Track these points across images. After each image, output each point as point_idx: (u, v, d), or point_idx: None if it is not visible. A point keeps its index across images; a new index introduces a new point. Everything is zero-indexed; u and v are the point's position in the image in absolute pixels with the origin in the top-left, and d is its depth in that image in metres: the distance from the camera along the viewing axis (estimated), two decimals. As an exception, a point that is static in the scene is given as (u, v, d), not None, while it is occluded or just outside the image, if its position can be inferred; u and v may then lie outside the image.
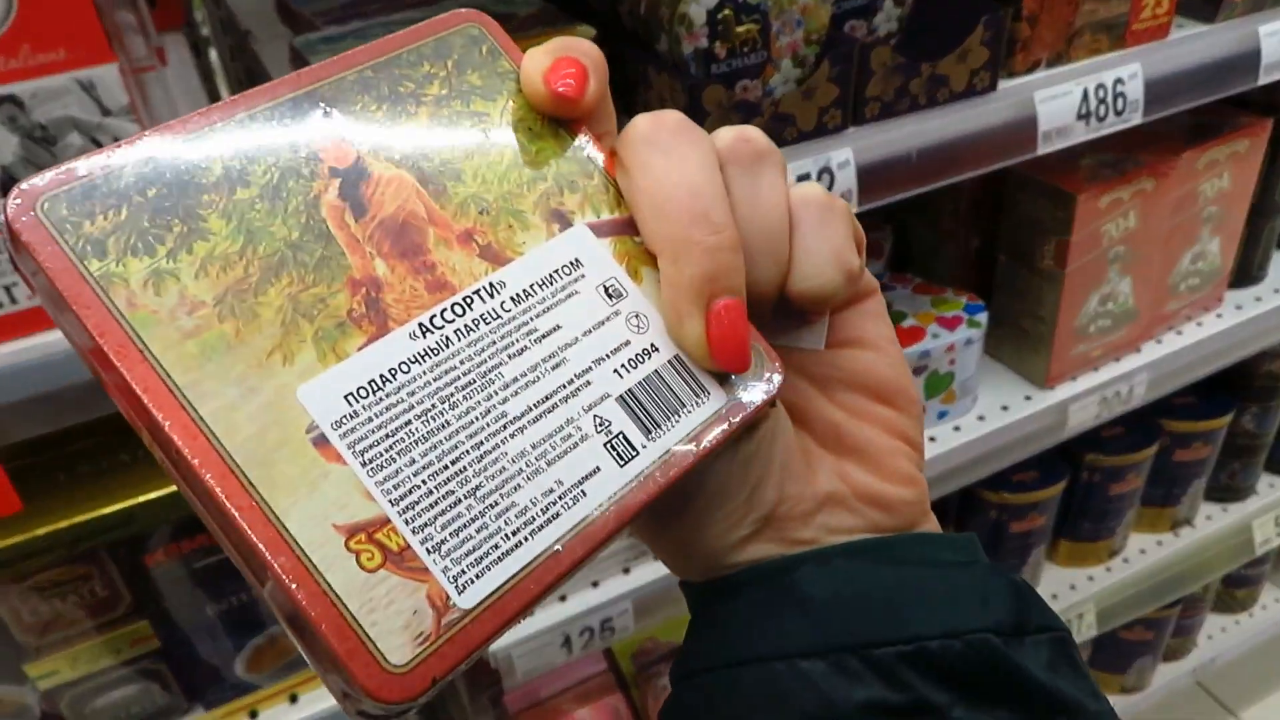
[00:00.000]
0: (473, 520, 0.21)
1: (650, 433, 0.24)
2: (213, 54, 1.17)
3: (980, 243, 1.04)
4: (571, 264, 0.25)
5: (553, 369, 0.23)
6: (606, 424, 0.23)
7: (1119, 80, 0.80)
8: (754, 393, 0.25)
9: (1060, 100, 0.79)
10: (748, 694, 0.25)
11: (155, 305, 0.20)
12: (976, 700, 0.25)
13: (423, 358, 0.22)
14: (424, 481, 0.21)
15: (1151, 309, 1.05)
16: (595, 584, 0.87)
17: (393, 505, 0.20)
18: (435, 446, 0.21)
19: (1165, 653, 1.44)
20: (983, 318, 0.96)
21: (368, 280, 0.22)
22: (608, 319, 0.25)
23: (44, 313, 0.47)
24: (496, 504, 0.21)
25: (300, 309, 0.21)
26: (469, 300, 0.23)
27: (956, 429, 0.99)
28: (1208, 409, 1.23)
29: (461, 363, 0.22)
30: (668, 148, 0.25)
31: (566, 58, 0.26)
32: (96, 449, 0.68)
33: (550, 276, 0.24)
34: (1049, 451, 1.08)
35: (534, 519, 0.22)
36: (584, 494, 0.23)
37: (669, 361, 0.25)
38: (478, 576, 0.21)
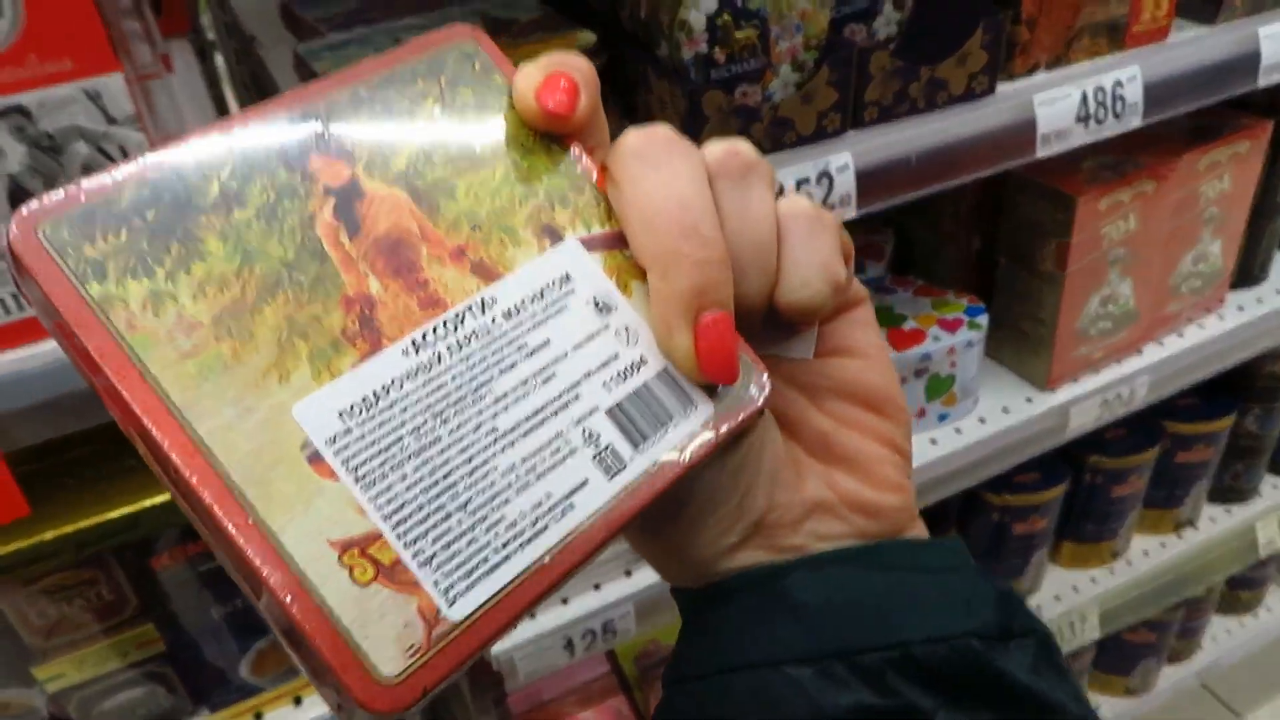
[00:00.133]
0: (463, 534, 0.22)
1: (638, 445, 0.24)
2: (219, 60, 1.18)
3: (981, 245, 1.05)
4: (562, 279, 0.25)
5: (543, 383, 0.24)
6: (595, 437, 0.24)
7: (1118, 83, 0.80)
8: (742, 404, 0.26)
9: (1059, 103, 0.79)
10: (738, 700, 0.26)
11: (154, 326, 0.21)
12: (961, 704, 0.25)
13: (415, 374, 0.22)
14: (416, 496, 0.21)
15: (1152, 311, 1.05)
16: (597, 586, 0.88)
17: (385, 520, 0.21)
18: (427, 461, 0.22)
19: (1170, 655, 1.44)
20: (983, 320, 0.96)
21: (362, 298, 0.23)
22: (597, 333, 0.25)
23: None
24: (486, 517, 0.22)
25: (296, 328, 0.22)
26: (460, 316, 0.24)
27: (957, 431, 0.99)
28: (1210, 410, 1.23)
29: (453, 378, 0.23)
30: (657, 162, 0.25)
31: (558, 74, 0.26)
32: (102, 454, 0.69)
33: (541, 291, 0.25)
34: (1051, 453, 1.08)
35: (523, 532, 0.22)
36: (572, 506, 0.23)
37: (658, 374, 0.25)
38: (468, 589, 0.21)
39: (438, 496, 0.22)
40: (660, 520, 0.28)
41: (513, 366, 0.24)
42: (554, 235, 0.26)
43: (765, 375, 0.26)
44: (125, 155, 0.53)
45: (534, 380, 0.24)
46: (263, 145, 0.23)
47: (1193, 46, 0.83)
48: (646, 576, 0.89)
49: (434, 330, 0.23)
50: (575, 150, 0.27)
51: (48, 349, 0.55)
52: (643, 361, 0.25)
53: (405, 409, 0.22)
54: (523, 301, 0.24)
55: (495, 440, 0.23)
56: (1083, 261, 0.96)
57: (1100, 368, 1.04)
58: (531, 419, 0.23)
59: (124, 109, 0.51)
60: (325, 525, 0.20)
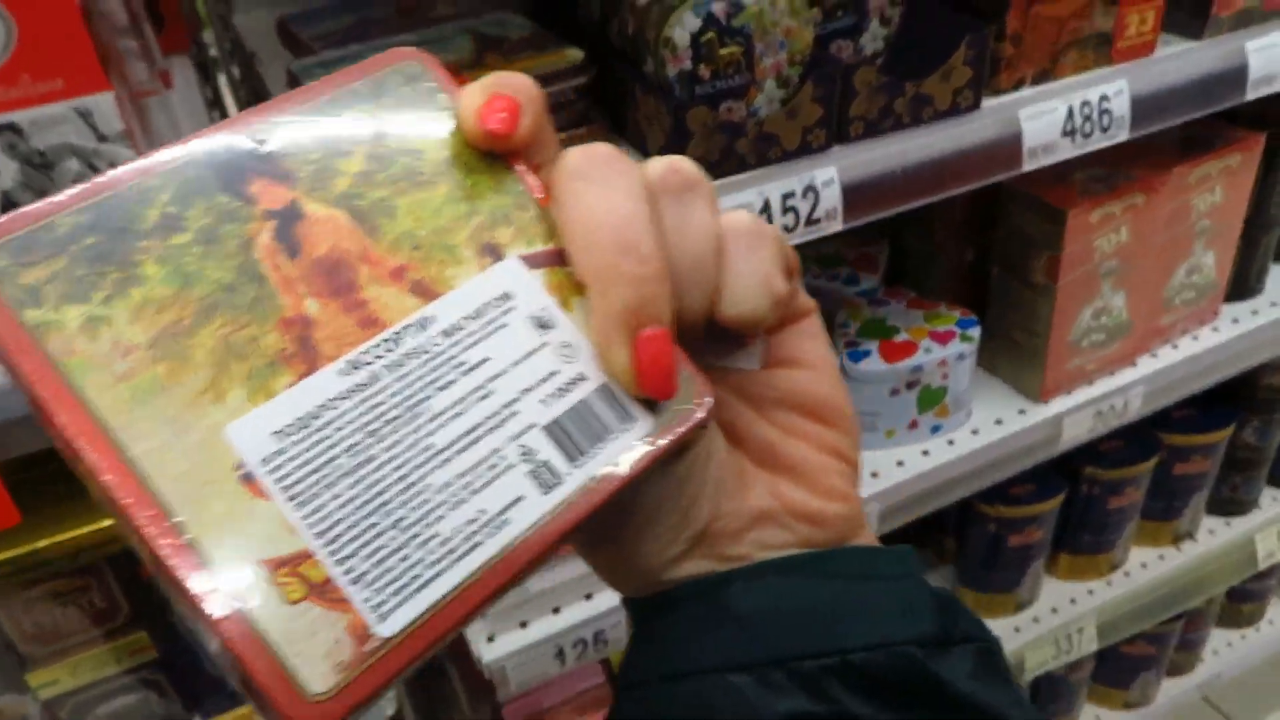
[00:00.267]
0: (395, 551, 0.22)
1: (575, 460, 0.24)
2: (222, 77, 1.19)
3: (975, 256, 1.05)
4: (502, 297, 0.25)
5: (479, 400, 0.24)
6: (531, 453, 0.24)
7: (1104, 97, 0.81)
8: (682, 418, 0.26)
9: (1045, 118, 0.80)
10: (681, 706, 0.26)
11: (90, 350, 0.21)
12: (898, 711, 0.25)
13: (351, 394, 0.23)
14: (348, 515, 0.22)
15: (1146, 323, 1.05)
16: (589, 596, 0.88)
17: (316, 539, 0.21)
18: (360, 480, 0.22)
19: (1170, 668, 1.44)
20: (975, 332, 0.96)
21: (299, 319, 0.23)
22: (537, 350, 0.25)
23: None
24: (419, 534, 0.22)
25: (233, 349, 0.22)
26: (398, 336, 0.24)
27: (950, 443, 0.99)
28: (1207, 422, 1.23)
29: (389, 397, 0.23)
30: (597, 179, 0.26)
31: (499, 95, 0.26)
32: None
33: (480, 310, 0.25)
34: (1047, 465, 1.08)
35: (456, 548, 0.22)
36: (507, 522, 0.23)
37: (597, 389, 0.25)
38: (398, 606, 0.21)
39: (370, 514, 0.22)
40: (605, 532, 0.28)
41: (450, 384, 0.24)
42: (495, 253, 0.26)
43: (707, 388, 0.26)
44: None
45: (471, 398, 0.24)
46: (204, 170, 0.24)
47: (1179, 61, 0.84)
48: (638, 586, 0.89)
49: (371, 349, 0.23)
50: (519, 168, 0.27)
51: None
52: (582, 377, 0.25)
53: (340, 428, 0.22)
54: (461, 320, 0.25)
55: (430, 458, 0.23)
56: (1074, 273, 0.96)
57: (1094, 379, 1.05)
58: (467, 436, 0.23)
59: (114, 126, 0.52)
60: (257, 545, 0.21)
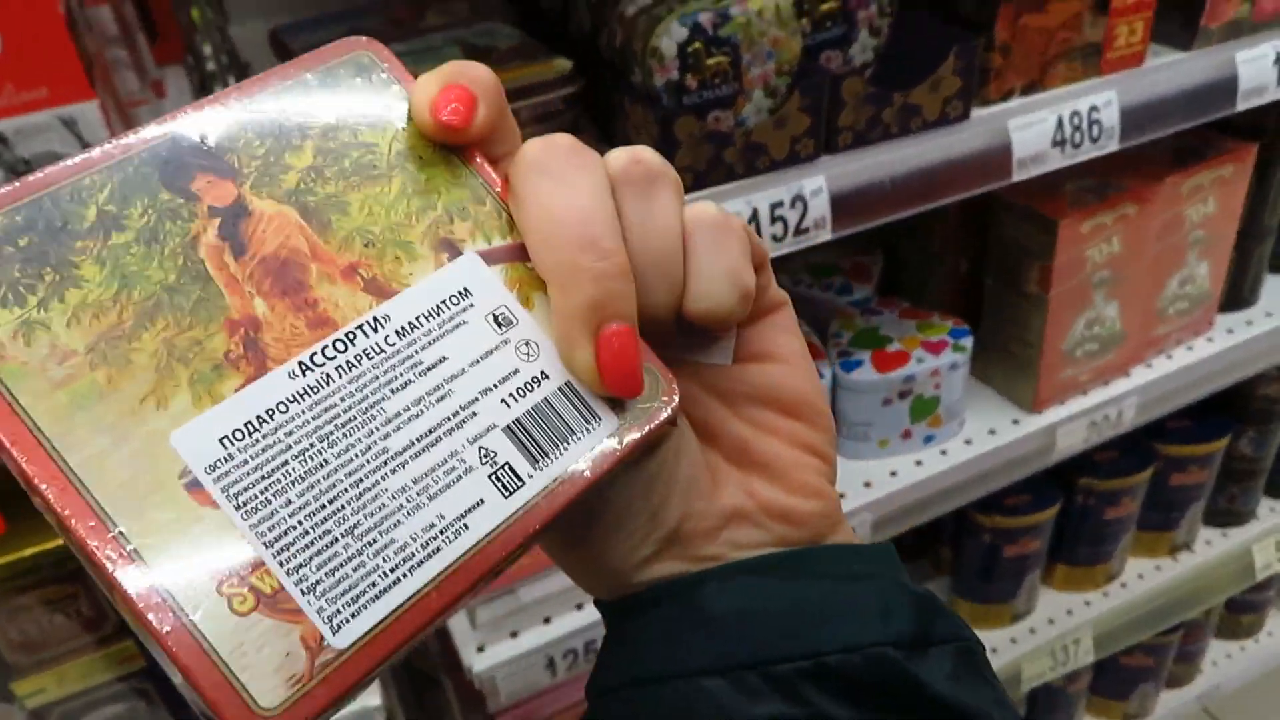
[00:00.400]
0: (350, 559, 0.21)
1: (537, 462, 0.24)
2: (218, 88, 1.20)
3: (969, 266, 1.05)
4: (460, 294, 0.25)
5: (437, 402, 0.23)
6: (492, 455, 0.23)
7: (1094, 108, 0.81)
8: (648, 416, 0.25)
9: (1035, 128, 0.80)
10: (653, 711, 0.26)
11: (25, 356, 0.20)
12: (876, 713, 0.25)
13: (302, 396, 0.22)
14: (300, 522, 0.21)
15: (1140, 333, 1.05)
16: (579, 606, 0.88)
17: (266, 548, 0.20)
18: (312, 486, 0.21)
19: (1169, 680, 1.43)
20: (968, 342, 0.96)
21: (246, 320, 0.22)
22: (496, 348, 0.24)
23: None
24: (375, 541, 0.21)
25: (175, 353, 0.21)
26: (351, 336, 0.23)
27: (943, 453, 0.99)
28: (1203, 432, 1.23)
29: (342, 400, 0.22)
30: (557, 172, 0.25)
31: (453, 85, 0.25)
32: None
33: (437, 308, 0.24)
34: (1043, 475, 1.08)
35: (413, 555, 0.22)
36: (466, 527, 0.22)
37: (559, 388, 0.25)
38: (353, 615, 0.21)
39: (323, 522, 0.21)
40: (573, 534, 0.27)
41: (406, 385, 0.23)
42: (452, 249, 0.25)
43: (674, 386, 0.26)
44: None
45: (428, 399, 0.23)
46: (145, 166, 0.23)
47: (1169, 72, 0.84)
48: (629, 596, 0.89)
49: (323, 351, 0.22)
50: (478, 160, 0.26)
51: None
52: (544, 376, 0.25)
53: (290, 433, 0.22)
54: (417, 318, 0.24)
55: (385, 462, 0.22)
56: (1067, 284, 0.96)
57: (1088, 389, 1.04)
58: (424, 439, 0.23)
59: (99, 136, 0.52)
60: (203, 555, 0.20)
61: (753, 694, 0.25)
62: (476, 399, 0.24)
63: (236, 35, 1.06)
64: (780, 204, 0.72)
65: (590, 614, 0.88)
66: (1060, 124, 0.80)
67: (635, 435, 0.25)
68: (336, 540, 0.21)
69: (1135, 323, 1.03)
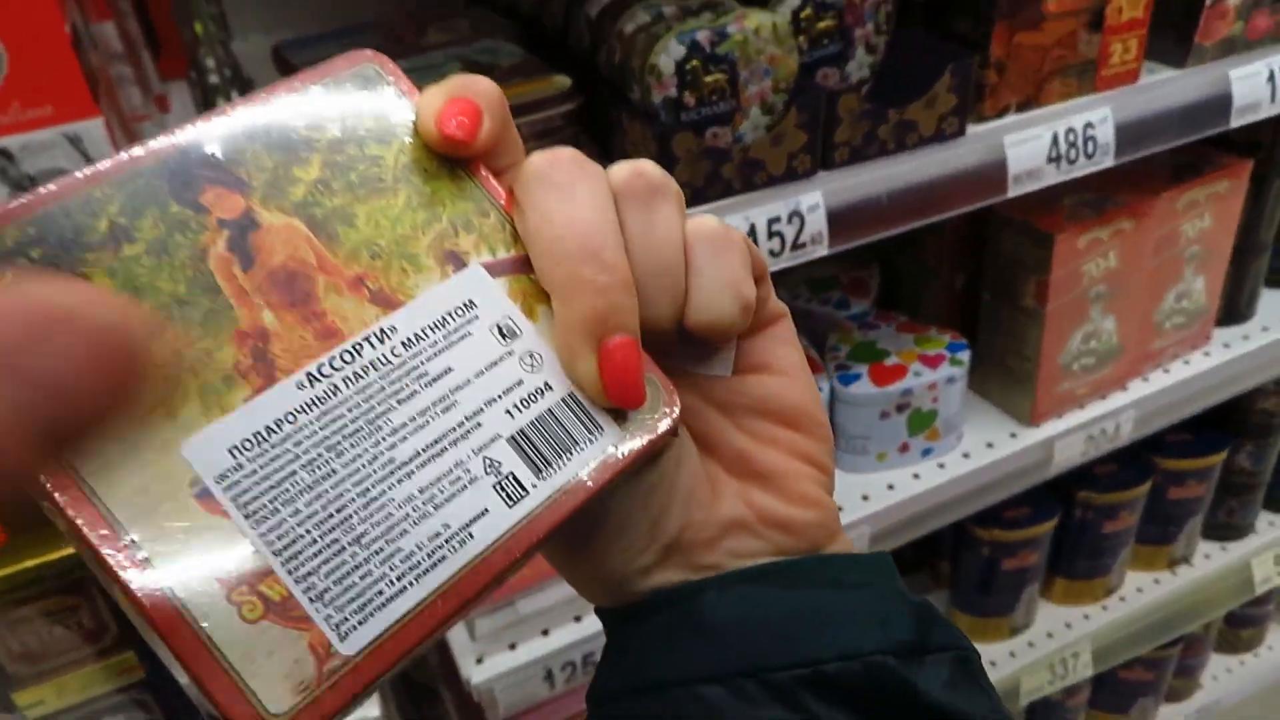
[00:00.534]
0: (357, 567, 0.21)
1: (541, 472, 0.24)
2: (221, 103, 1.21)
3: (966, 280, 1.06)
4: (465, 305, 0.25)
5: (442, 412, 0.23)
6: (496, 465, 0.24)
7: (1089, 124, 0.82)
8: (650, 427, 0.25)
9: (1030, 144, 0.80)
10: (653, 718, 0.26)
11: None
12: None
13: (309, 407, 0.22)
14: (307, 531, 0.21)
15: (1137, 347, 1.06)
16: (578, 619, 0.88)
17: (275, 556, 0.21)
18: (320, 496, 0.22)
19: (1168, 694, 1.43)
20: (965, 356, 0.97)
21: (255, 332, 0.22)
22: (501, 359, 0.25)
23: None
24: (381, 550, 0.22)
25: (185, 364, 0.21)
26: (358, 347, 0.23)
27: (941, 466, 1.00)
28: (1201, 446, 1.23)
29: (349, 410, 0.23)
30: (560, 185, 0.25)
31: (459, 99, 0.26)
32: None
33: (443, 319, 0.24)
34: (1041, 488, 1.08)
35: (419, 564, 0.22)
36: (471, 536, 0.23)
37: (562, 399, 0.25)
38: (360, 623, 0.21)
39: (331, 531, 0.21)
40: (574, 543, 0.28)
41: (412, 396, 0.23)
42: (457, 261, 0.25)
43: (675, 397, 0.26)
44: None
45: (433, 409, 0.23)
46: (155, 179, 0.23)
47: (1163, 88, 0.85)
48: (627, 609, 0.89)
49: (330, 362, 0.23)
50: (482, 173, 0.26)
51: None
52: (547, 387, 0.25)
53: (299, 443, 0.22)
54: (423, 330, 0.24)
55: (392, 472, 0.22)
56: (1063, 298, 0.96)
57: (1085, 403, 1.05)
58: (430, 449, 0.23)
59: (104, 152, 0.53)
60: (213, 563, 0.20)
61: (751, 701, 0.25)
62: (481, 410, 0.24)
63: (239, 50, 1.07)
64: (778, 219, 0.73)
65: (588, 626, 0.88)
66: (1055, 140, 0.81)
67: (637, 445, 0.25)
68: (344, 549, 0.21)
69: (1132, 337, 1.04)
